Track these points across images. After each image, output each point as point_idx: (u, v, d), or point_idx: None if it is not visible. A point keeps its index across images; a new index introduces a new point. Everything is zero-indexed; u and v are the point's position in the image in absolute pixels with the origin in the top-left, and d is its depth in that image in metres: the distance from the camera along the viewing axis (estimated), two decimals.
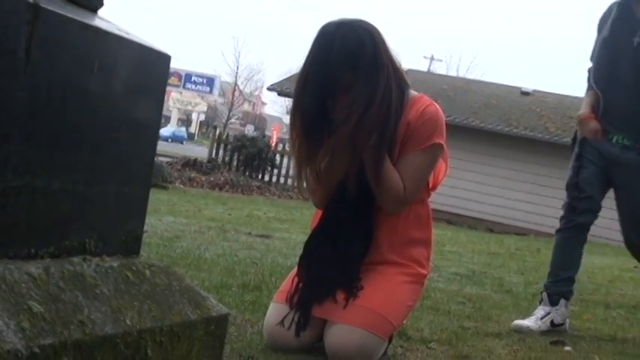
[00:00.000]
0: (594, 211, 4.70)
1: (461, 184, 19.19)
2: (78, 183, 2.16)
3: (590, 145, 4.57)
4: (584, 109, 4.61)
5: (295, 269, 3.04)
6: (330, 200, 2.91)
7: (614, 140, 4.50)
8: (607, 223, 18.23)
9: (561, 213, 4.78)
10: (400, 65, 2.76)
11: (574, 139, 4.86)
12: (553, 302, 4.68)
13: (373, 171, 2.74)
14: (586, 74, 4.62)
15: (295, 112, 2.76)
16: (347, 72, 2.64)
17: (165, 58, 2.61)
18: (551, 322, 4.67)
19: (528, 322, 4.64)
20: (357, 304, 2.78)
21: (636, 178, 4.62)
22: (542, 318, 4.67)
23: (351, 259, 2.86)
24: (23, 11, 2.04)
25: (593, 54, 4.57)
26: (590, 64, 4.59)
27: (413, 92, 2.87)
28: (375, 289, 2.82)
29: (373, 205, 2.86)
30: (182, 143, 46.68)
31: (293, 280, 2.93)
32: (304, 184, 2.91)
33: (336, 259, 2.87)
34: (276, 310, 2.94)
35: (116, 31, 2.42)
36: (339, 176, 2.80)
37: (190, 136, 70.71)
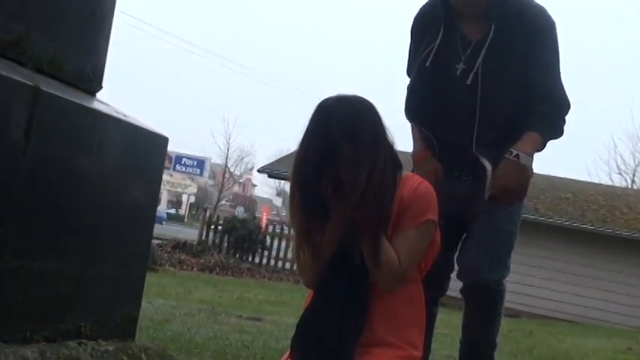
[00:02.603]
0: (442, 281, 3.73)
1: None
2: (75, 265, 2.15)
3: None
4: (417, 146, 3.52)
5: (288, 352, 3.00)
6: (323, 280, 2.88)
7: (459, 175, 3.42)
8: (599, 304, 18.01)
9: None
10: (394, 144, 2.78)
11: None
12: None
13: (371, 245, 2.72)
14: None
15: (294, 185, 2.76)
16: (346, 144, 2.65)
17: (162, 140, 2.63)
18: None
19: None
20: None
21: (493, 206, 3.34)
22: None
23: (346, 340, 2.82)
24: (24, 93, 2.06)
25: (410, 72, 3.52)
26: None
27: (405, 172, 2.89)
28: None
29: (366, 285, 2.83)
30: (161, 224, 46.54)
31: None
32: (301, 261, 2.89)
33: (329, 341, 2.83)
34: None
35: (114, 114, 2.44)
36: (331, 250, 2.78)
37: (174, 217, 70.60)
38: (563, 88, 3.24)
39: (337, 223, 2.73)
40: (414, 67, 3.40)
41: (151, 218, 2.47)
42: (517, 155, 3.08)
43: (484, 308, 3.46)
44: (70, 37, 2.54)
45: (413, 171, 3.43)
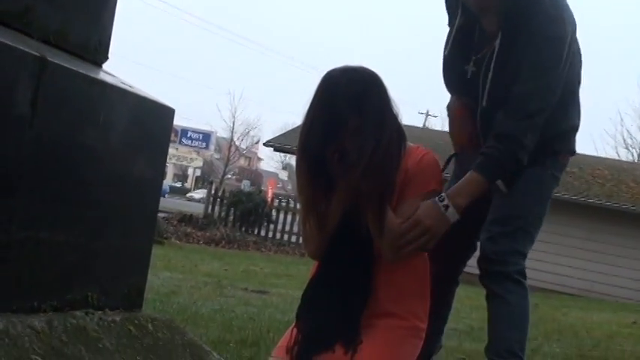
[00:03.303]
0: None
1: None
2: (82, 236, 2.16)
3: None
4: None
5: (293, 324, 3.01)
6: (327, 251, 2.89)
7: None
8: (604, 278, 18.00)
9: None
10: (399, 115, 2.78)
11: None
12: None
13: (376, 215, 2.73)
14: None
15: (301, 156, 2.76)
16: (353, 114, 2.65)
17: (168, 111, 2.62)
18: None
19: None
20: (357, 359, 2.75)
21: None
22: None
23: (351, 311, 2.83)
24: (30, 64, 2.05)
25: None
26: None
27: (409, 143, 2.89)
28: (375, 344, 2.79)
29: (371, 256, 2.84)
30: (163, 196, 46.41)
31: (292, 333, 2.90)
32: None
33: (335, 311, 2.84)
34: None
35: (120, 85, 2.43)
36: (335, 220, 2.79)
37: (179, 190, 70.54)
38: (540, 98, 2.91)
39: (342, 193, 2.74)
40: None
41: (157, 189, 2.48)
42: (446, 207, 2.77)
43: (492, 301, 3.18)
44: (76, 7, 2.53)
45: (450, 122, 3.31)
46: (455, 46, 3.10)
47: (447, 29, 3.19)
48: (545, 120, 2.94)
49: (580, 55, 3.11)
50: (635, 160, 37.92)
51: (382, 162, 2.67)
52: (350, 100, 2.64)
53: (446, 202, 2.77)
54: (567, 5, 3.00)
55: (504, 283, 3.10)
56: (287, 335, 2.92)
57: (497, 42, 2.94)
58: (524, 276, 3.17)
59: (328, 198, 2.77)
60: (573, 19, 2.98)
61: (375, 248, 2.83)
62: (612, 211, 17.39)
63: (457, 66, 3.12)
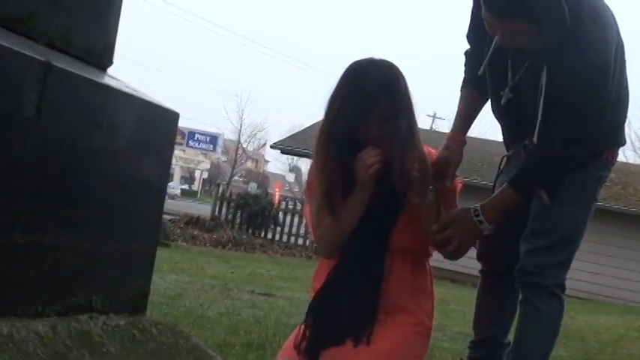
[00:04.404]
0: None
1: None
2: (86, 240, 2.16)
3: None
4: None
5: (300, 324, 3.01)
6: (342, 249, 2.91)
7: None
8: (612, 282, 17.95)
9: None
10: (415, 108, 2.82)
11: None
12: None
13: (421, 195, 2.76)
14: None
15: (327, 140, 2.77)
16: (384, 96, 2.69)
17: (173, 116, 2.62)
18: None
19: None
20: (367, 353, 2.76)
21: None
22: None
23: (364, 307, 2.85)
24: (35, 68, 2.06)
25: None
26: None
27: None
28: (384, 339, 2.80)
29: (385, 251, 2.86)
30: (173, 199, 46.36)
31: (299, 331, 2.91)
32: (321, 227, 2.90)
33: (348, 307, 2.86)
34: None
35: (125, 89, 2.44)
36: (359, 215, 2.81)
37: (186, 193, 70.59)
38: (579, 129, 2.84)
39: (366, 187, 2.76)
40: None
41: (162, 193, 2.48)
42: (481, 222, 2.79)
43: (524, 305, 3.10)
44: (81, 12, 2.54)
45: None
46: (489, 67, 3.00)
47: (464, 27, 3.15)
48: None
49: (624, 57, 3.00)
50: None
51: (417, 143, 2.71)
52: (380, 83, 2.69)
53: (480, 217, 2.79)
54: (610, 17, 2.87)
55: (541, 294, 3.03)
56: (292, 337, 2.92)
57: (544, 78, 2.82)
58: (563, 289, 3.10)
59: (346, 193, 2.78)
60: (617, 31, 2.88)
61: (389, 243, 2.85)
62: (619, 214, 17.35)
63: (493, 87, 3.06)
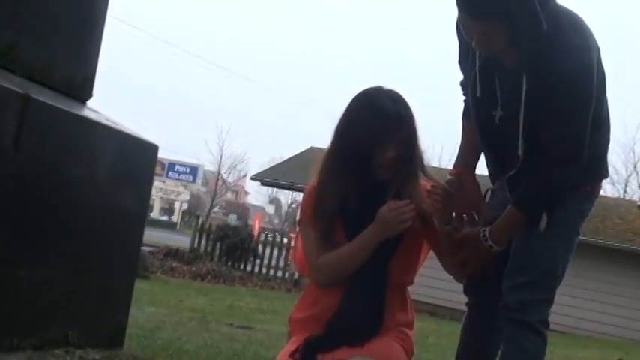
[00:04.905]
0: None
1: (445, 275, 19.09)
2: (63, 274, 2.15)
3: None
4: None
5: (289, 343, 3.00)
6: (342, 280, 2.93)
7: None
8: (591, 315, 17.95)
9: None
10: None
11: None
12: None
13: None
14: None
15: (340, 162, 2.78)
16: (405, 123, 2.75)
17: (152, 148, 2.63)
18: None
19: None
20: (359, 350, 2.80)
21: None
22: None
23: (363, 331, 2.88)
24: (14, 101, 2.06)
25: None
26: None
27: None
28: (376, 342, 2.85)
29: (385, 287, 2.90)
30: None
31: (292, 344, 2.92)
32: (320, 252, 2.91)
33: (347, 328, 2.89)
34: None
35: (104, 122, 2.44)
36: (368, 254, 2.85)
37: (167, 224, 70.32)
38: (572, 142, 2.84)
39: (383, 235, 2.79)
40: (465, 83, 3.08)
41: (141, 227, 2.47)
42: (491, 246, 2.85)
43: (506, 340, 3.05)
44: (62, 45, 2.54)
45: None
46: (476, 87, 2.99)
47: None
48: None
49: (604, 76, 2.98)
50: (621, 197, 38.12)
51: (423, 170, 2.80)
52: (403, 108, 2.75)
53: (489, 242, 2.86)
54: (588, 28, 2.89)
55: (524, 330, 2.98)
56: (286, 350, 2.92)
57: (524, 86, 2.82)
58: (546, 325, 3.06)
59: (348, 217, 2.81)
60: (596, 42, 2.89)
61: (388, 277, 2.88)
62: (598, 247, 17.43)
63: (482, 110, 3.02)
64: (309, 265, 2.94)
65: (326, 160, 2.78)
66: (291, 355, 2.85)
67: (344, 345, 2.81)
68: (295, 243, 3.02)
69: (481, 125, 3.07)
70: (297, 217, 3.03)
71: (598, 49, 2.89)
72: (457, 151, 3.24)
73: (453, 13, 2.95)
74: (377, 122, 2.72)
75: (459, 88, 3.23)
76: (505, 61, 2.89)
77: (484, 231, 2.85)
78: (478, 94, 2.99)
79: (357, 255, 2.86)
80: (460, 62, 3.17)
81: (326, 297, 3.03)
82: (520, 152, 2.89)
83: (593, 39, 2.88)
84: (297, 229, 3.02)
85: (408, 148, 2.75)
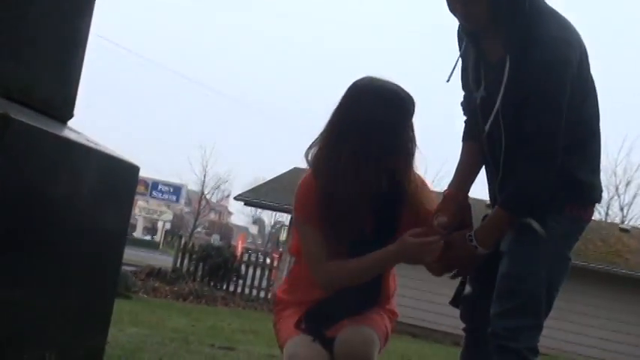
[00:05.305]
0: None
1: (427, 296, 19.09)
2: (40, 295, 2.13)
3: None
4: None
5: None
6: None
7: None
8: (573, 337, 18.00)
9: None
10: None
11: None
12: None
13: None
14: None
15: (368, 153, 2.76)
16: (412, 107, 2.81)
17: (133, 169, 2.61)
18: None
19: None
20: (358, 319, 2.85)
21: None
22: None
23: (362, 304, 2.94)
24: None
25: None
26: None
27: None
28: (373, 315, 2.91)
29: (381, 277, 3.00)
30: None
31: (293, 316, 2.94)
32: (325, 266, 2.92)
33: (345, 307, 2.93)
34: (301, 342, 2.85)
35: (85, 142, 2.43)
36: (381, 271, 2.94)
37: (150, 244, 70.01)
38: (544, 137, 2.82)
39: (400, 260, 2.83)
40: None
41: (120, 248, 2.46)
42: (476, 247, 2.82)
43: None
44: (43, 65, 2.53)
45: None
46: (465, 78, 3.06)
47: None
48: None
49: (595, 91, 2.96)
50: (602, 219, 38.29)
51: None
52: (408, 95, 2.82)
53: (474, 242, 2.85)
54: (575, 30, 2.88)
55: (512, 357, 2.90)
56: (289, 324, 2.90)
57: (506, 71, 2.83)
58: (535, 353, 3.00)
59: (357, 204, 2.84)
60: (581, 44, 2.86)
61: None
62: (579, 269, 17.47)
63: (471, 97, 3.04)
64: (313, 264, 2.91)
65: (347, 160, 2.72)
66: (296, 325, 2.85)
67: (344, 317, 2.85)
68: (292, 233, 3.05)
69: (478, 129, 3.04)
70: (293, 215, 3.01)
71: (582, 49, 2.87)
72: (453, 173, 3.19)
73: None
74: (397, 105, 2.75)
75: (460, 109, 3.22)
76: (491, 57, 2.90)
77: (470, 235, 2.84)
78: (478, 95, 2.98)
79: (369, 274, 2.90)
80: (463, 87, 3.14)
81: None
82: (502, 146, 2.90)
83: (578, 38, 2.86)
84: (294, 226, 3.01)
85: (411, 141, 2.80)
